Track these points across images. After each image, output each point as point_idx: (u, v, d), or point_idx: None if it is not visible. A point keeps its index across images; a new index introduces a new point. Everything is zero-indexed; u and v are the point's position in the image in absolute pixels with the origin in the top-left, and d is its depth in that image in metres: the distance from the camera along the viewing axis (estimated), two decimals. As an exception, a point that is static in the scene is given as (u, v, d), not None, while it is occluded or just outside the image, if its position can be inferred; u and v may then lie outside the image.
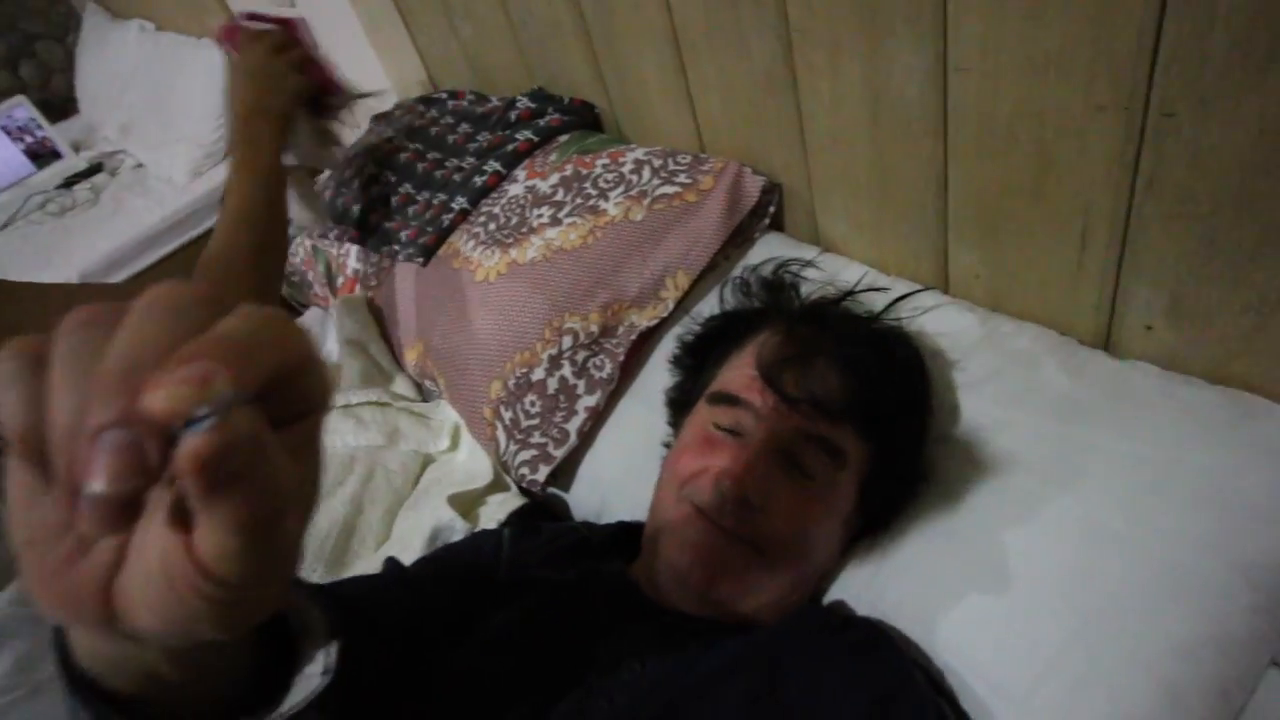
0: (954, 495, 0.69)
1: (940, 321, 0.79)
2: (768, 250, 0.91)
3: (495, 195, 0.99)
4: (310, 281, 1.23)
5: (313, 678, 0.36)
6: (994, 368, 0.73)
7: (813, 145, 0.86)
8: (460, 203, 0.98)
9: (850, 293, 0.79)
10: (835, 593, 0.71)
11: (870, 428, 0.66)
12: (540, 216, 0.90)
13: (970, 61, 0.66)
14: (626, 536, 0.77)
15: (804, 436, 0.64)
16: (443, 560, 0.74)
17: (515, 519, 0.82)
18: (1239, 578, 0.56)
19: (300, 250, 1.26)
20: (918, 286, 0.82)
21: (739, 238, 0.92)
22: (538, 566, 0.72)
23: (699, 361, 0.77)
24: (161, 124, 2.25)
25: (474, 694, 0.60)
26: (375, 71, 1.54)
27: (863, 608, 0.68)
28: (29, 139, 2.47)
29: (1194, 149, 0.58)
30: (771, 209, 0.94)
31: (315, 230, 1.15)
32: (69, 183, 2.36)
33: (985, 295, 0.81)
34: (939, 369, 0.76)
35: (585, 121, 1.09)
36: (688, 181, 0.89)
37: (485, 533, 0.78)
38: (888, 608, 0.67)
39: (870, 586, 0.69)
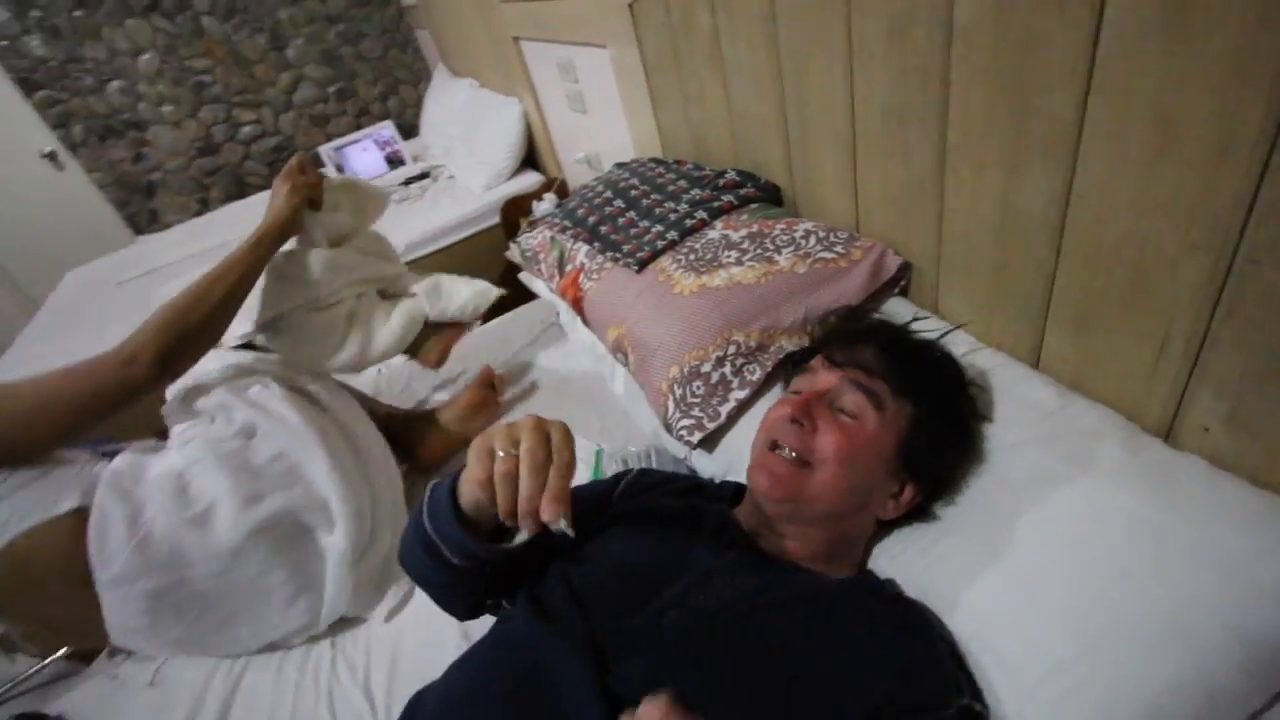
0: (995, 512, 0.67)
1: (1023, 387, 0.76)
2: (892, 310, 0.92)
3: (698, 235, 1.03)
4: (540, 260, 1.30)
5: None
6: (1059, 431, 0.70)
7: (946, 237, 0.85)
8: (672, 235, 1.03)
9: (907, 325, 0.80)
10: (890, 572, 0.71)
11: (904, 386, 0.68)
12: (729, 257, 0.95)
13: (1091, 191, 0.64)
14: (736, 491, 0.80)
15: (847, 384, 0.68)
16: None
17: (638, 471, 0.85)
18: (1235, 641, 0.53)
19: (539, 235, 1.32)
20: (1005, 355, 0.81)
21: (874, 300, 0.92)
22: (654, 496, 0.78)
23: (803, 360, 0.80)
24: (470, 150, 2.47)
25: (595, 577, 0.65)
26: (623, 138, 1.65)
27: (911, 587, 0.68)
28: (388, 149, 2.82)
29: (1270, 293, 0.55)
30: (904, 282, 0.94)
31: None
32: (407, 182, 2.67)
33: (1068, 376, 0.77)
34: (1011, 422, 0.73)
35: (772, 198, 1.12)
36: (842, 251, 0.91)
37: (609, 478, 0.83)
38: (931, 587, 0.67)
39: (922, 572, 0.68)
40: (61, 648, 0.99)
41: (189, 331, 0.93)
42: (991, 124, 0.71)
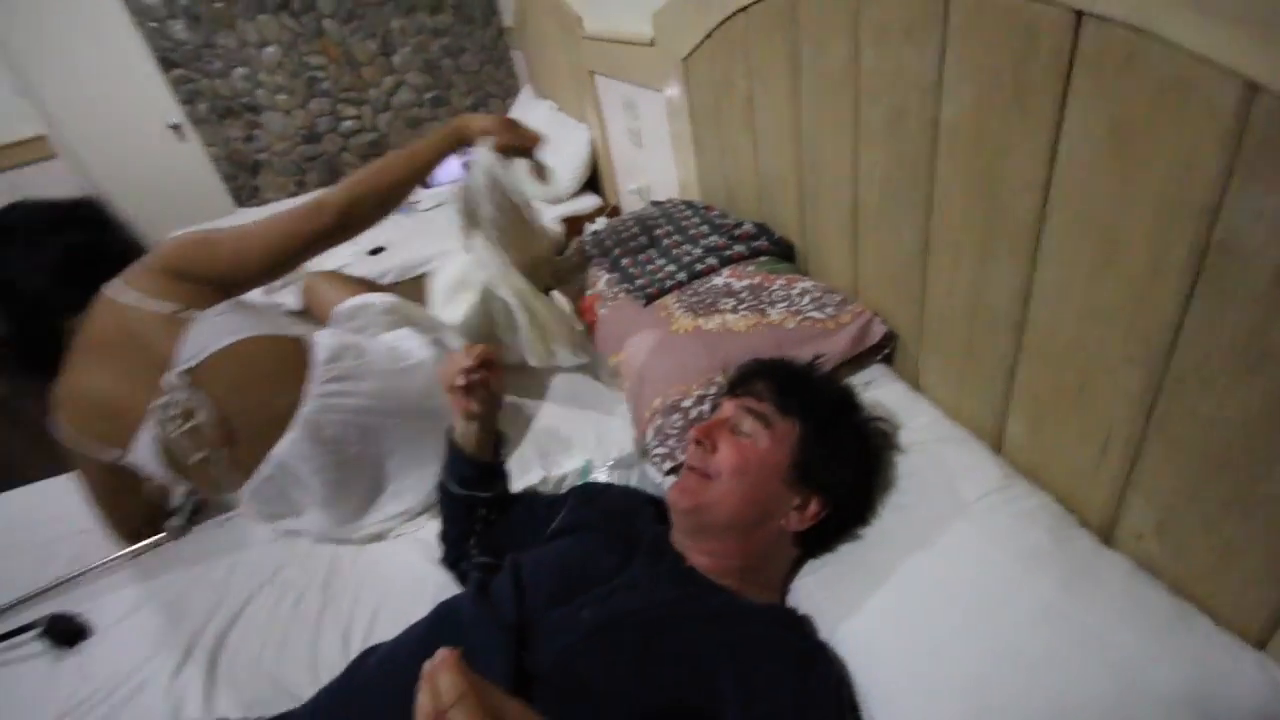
0: (914, 574, 0.70)
1: (973, 460, 0.78)
2: (871, 376, 0.95)
3: (705, 279, 1.08)
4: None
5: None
6: (995, 507, 0.71)
7: (927, 316, 0.87)
8: (681, 276, 1.08)
9: (811, 362, 0.87)
10: (803, 608, 0.75)
11: (787, 406, 0.75)
12: (726, 304, 0.99)
13: (1047, 293, 0.67)
14: None
15: (742, 411, 0.76)
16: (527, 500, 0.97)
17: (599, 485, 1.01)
18: None
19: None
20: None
21: (858, 364, 0.95)
22: (609, 510, 0.88)
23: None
24: (541, 166, 2.61)
25: (539, 570, 0.75)
26: (671, 175, 1.72)
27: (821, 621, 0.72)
28: (467, 158, 2.97)
29: (1193, 414, 0.56)
30: (887, 351, 0.96)
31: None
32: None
33: (1025, 462, 0.79)
34: (949, 492, 0.75)
35: (784, 253, 1.16)
36: (832, 314, 0.94)
37: (558, 496, 0.96)
38: (836, 632, 0.70)
39: (823, 611, 0.73)
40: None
41: (368, 197, 1.08)
42: (968, 216, 0.74)
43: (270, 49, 3.41)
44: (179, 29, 3.28)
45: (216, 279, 1.05)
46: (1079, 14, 0.54)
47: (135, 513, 1.19)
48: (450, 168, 2.89)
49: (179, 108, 3.44)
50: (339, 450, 1.08)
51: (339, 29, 3.45)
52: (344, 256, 2.22)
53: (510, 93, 3.80)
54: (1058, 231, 0.63)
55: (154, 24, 3.25)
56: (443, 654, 0.44)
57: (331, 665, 0.92)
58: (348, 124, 3.67)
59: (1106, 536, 0.70)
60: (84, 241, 1.14)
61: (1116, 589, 0.63)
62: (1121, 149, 0.54)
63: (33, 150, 3.35)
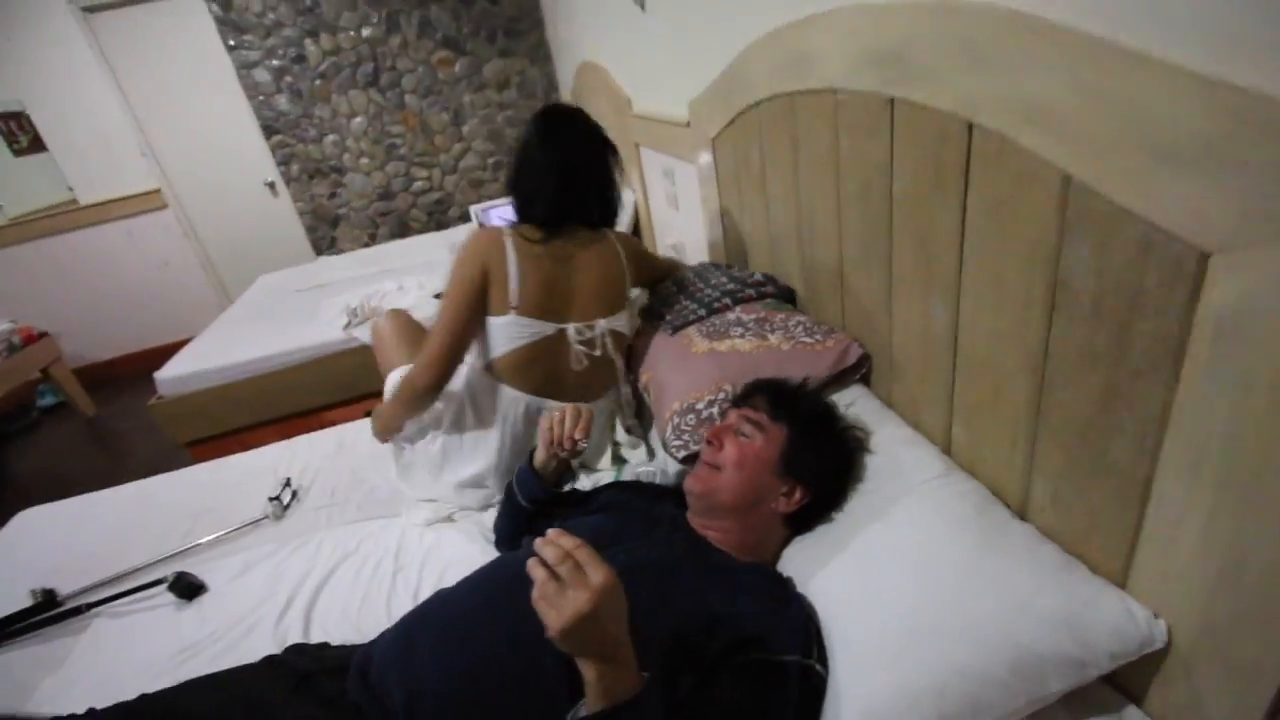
0: (866, 536, 0.89)
1: (921, 454, 0.97)
2: (853, 396, 1.16)
3: (721, 315, 1.32)
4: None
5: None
6: (934, 490, 0.90)
7: (894, 344, 1.08)
8: (701, 312, 1.33)
9: (801, 382, 1.07)
10: (784, 571, 0.93)
11: (777, 414, 0.96)
12: (736, 331, 1.23)
13: (967, 322, 0.88)
14: None
15: (742, 418, 0.97)
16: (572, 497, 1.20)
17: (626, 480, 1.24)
18: (1009, 645, 0.70)
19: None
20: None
21: (838, 382, 1.16)
22: (633, 496, 1.10)
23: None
24: (587, 226, 2.92)
25: (578, 531, 0.94)
26: (701, 233, 1.99)
27: (798, 579, 0.90)
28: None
29: (1062, 404, 0.75)
30: (864, 371, 1.17)
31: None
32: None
33: (965, 460, 0.97)
34: (897, 477, 0.95)
35: (787, 297, 1.40)
36: (820, 339, 1.17)
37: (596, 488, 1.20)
38: (810, 582, 0.88)
39: (799, 570, 0.90)
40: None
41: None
42: (915, 266, 0.96)
43: (358, 119, 3.89)
44: (283, 101, 3.78)
45: None
46: (970, 124, 0.78)
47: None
48: (500, 213, 3.23)
49: (275, 168, 3.93)
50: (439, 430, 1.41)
51: (418, 102, 3.92)
52: (412, 299, 2.54)
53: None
54: (970, 276, 0.85)
55: (262, 97, 3.75)
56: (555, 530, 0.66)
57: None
58: (418, 184, 4.11)
59: (1021, 512, 0.88)
60: None
61: (1019, 546, 0.81)
62: (1001, 216, 0.77)
63: (148, 201, 3.85)
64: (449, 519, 1.39)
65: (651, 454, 1.40)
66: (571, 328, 1.32)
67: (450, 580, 1.22)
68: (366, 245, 4.09)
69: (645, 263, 1.54)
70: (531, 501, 1.12)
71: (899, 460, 0.98)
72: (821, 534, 0.96)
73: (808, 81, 1.11)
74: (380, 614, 1.20)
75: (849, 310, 1.22)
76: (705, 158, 1.71)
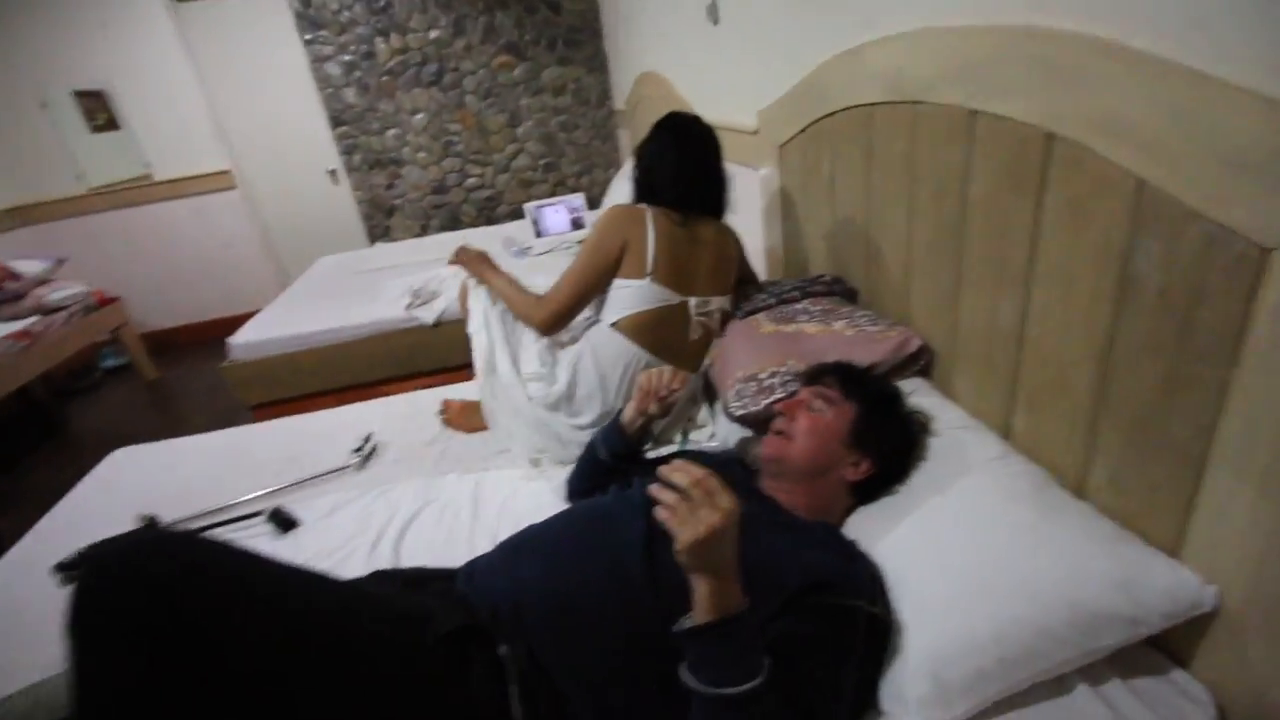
0: (929, 507, 0.95)
1: (980, 438, 1.05)
2: (913, 386, 1.24)
3: (790, 305, 1.42)
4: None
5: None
6: (994, 470, 0.97)
7: (959, 338, 1.16)
8: (771, 300, 1.44)
9: (869, 367, 1.16)
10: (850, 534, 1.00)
11: (848, 392, 1.03)
12: (803, 317, 1.33)
13: (1036, 315, 0.96)
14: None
15: (815, 394, 1.04)
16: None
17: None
18: (1065, 603, 0.76)
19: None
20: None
21: (898, 373, 1.24)
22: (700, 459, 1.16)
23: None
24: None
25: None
26: (759, 240, 2.09)
27: (863, 541, 0.97)
28: (575, 214, 3.45)
29: (1124, 388, 0.83)
30: (923, 363, 1.25)
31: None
32: (579, 242, 3.26)
33: (1024, 445, 1.03)
34: (960, 458, 1.02)
35: (850, 297, 1.49)
36: (883, 328, 1.25)
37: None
38: (879, 544, 0.95)
39: (865, 533, 0.97)
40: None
41: None
42: (986, 265, 1.05)
43: (419, 115, 4.06)
44: (350, 94, 3.96)
45: None
46: (1049, 135, 0.87)
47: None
48: (558, 219, 3.36)
49: (338, 158, 4.10)
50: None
51: (478, 102, 4.08)
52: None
53: (613, 164, 4.34)
54: (1041, 272, 0.94)
55: (331, 90, 3.93)
56: (681, 460, 0.75)
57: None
58: (471, 180, 4.27)
59: (1078, 493, 0.96)
60: None
61: (1076, 519, 0.88)
62: (1074, 218, 0.86)
63: (218, 181, 4.04)
64: (537, 463, 1.52)
65: (713, 435, 1.49)
66: (693, 300, 1.49)
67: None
68: (419, 235, 4.24)
69: (743, 258, 1.71)
70: (613, 455, 1.21)
71: (960, 441, 1.07)
72: (885, 504, 1.04)
73: (889, 95, 1.21)
74: (463, 552, 1.30)
75: (914, 308, 1.30)
76: (770, 166, 1.81)
